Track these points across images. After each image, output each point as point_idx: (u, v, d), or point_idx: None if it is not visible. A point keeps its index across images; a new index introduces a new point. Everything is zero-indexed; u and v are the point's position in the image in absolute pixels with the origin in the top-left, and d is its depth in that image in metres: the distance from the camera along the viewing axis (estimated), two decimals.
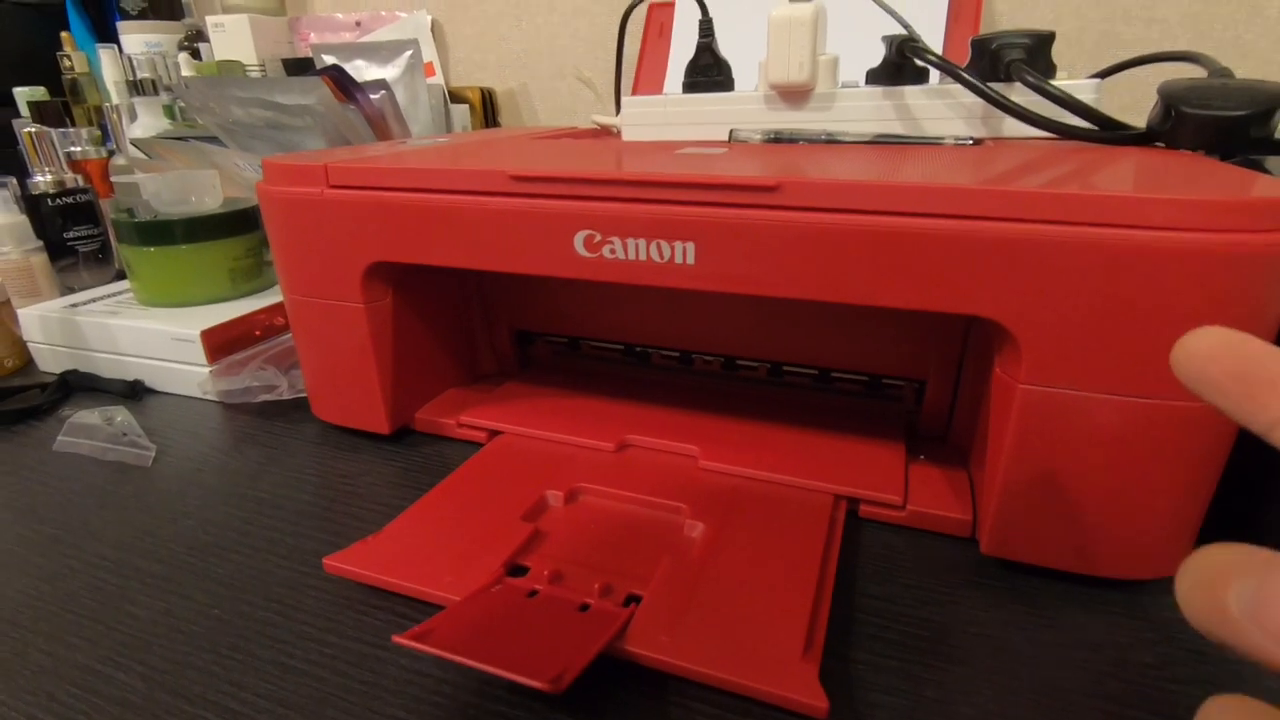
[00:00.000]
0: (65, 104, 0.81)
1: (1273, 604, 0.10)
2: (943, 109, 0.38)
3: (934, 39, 0.53)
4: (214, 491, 0.34)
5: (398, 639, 0.21)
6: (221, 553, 0.30)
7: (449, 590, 0.25)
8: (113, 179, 0.66)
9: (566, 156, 0.35)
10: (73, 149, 0.69)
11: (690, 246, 0.27)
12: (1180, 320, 0.21)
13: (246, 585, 0.28)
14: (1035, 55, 0.36)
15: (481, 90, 0.78)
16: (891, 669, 0.23)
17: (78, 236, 0.63)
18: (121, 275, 0.62)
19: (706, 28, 0.43)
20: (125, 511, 0.33)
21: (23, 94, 0.80)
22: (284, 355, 0.44)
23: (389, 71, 0.70)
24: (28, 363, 0.50)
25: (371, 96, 0.58)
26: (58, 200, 0.62)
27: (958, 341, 0.33)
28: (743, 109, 0.41)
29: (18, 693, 0.23)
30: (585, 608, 0.24)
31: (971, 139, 0.36)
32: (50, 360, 0.49)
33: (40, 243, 0.56)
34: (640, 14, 0.61)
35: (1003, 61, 0.36)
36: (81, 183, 0.64)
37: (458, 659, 0.20)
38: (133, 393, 0.45)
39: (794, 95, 0.39)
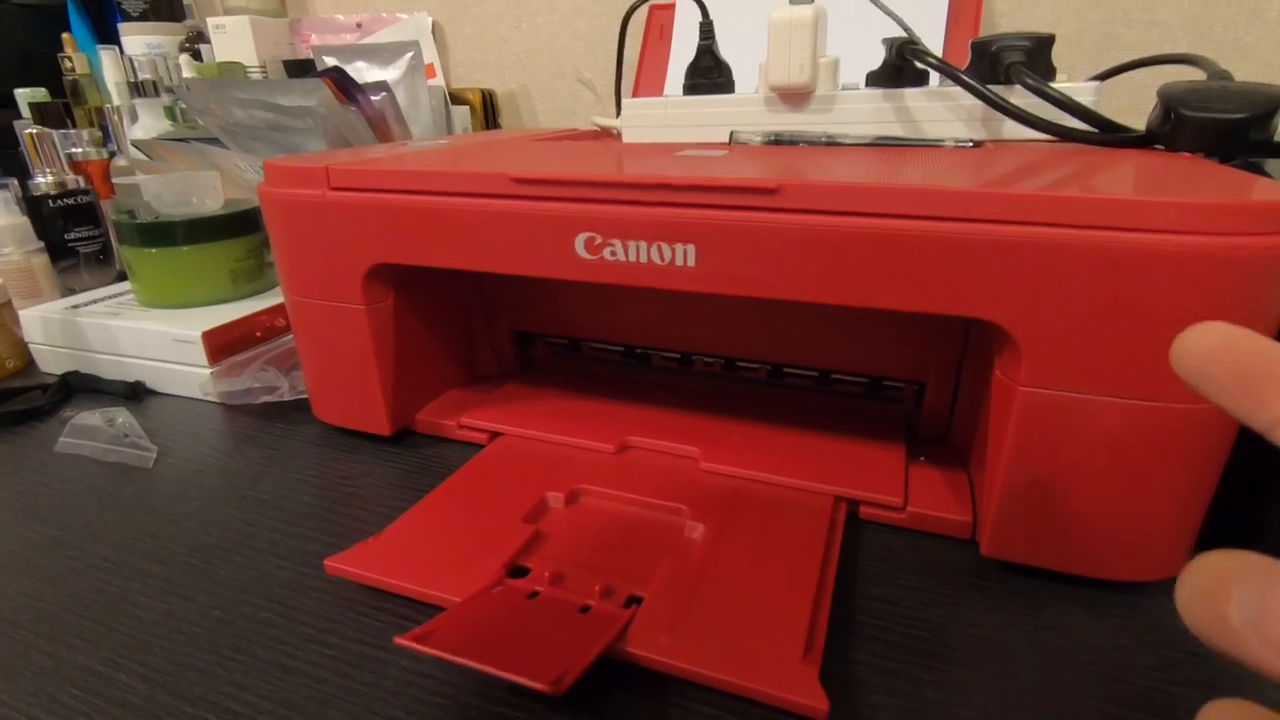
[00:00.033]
0: (66, 105, 0.81)
1: (1274, 614, 0.10)
2: (943, 111, 0.38)
3: (934, 41, 0.53)
4: (215, 493, 0.34)
5: (399, 640, 0.21)
6: (223, 554, 0.30)
7: (450, 592, 0.25)
8: (114, 180, 0.66)
9: (567, 159, 0.35)
10: (74, 150, 0.69)
11: (691, 249, 0.27)
12: (1179, 323, 0.21)
13: (248, 586, 0.28)
14: (1035, 58, 0.36)
15: (482, 92, 0.78)
16: (892, 670, 0.23)
17: (79, 238, 0.63)
18: (122, 276, 0.62)
19: (707, 30, 0.43)
20: (127, 513, 0.33)
21: (24, 95, 0.80)
22: (285, 356, 0.44)
23: (390, 73, 0.71)
24: (29, 364, 0.50)
25: (372, 98, 0.58)
26: (59, 201, 0.62)
27: (958, 343, 0.33)
28: (743, 111, 0.41)
29: (19, 694, 0.23)
30: (586, 609, 0.24)
31: (971, 141, 0.36)
32: (51, 361, 0.49)
33: (41, 244, 0.56)
34: (641, 16, 0.61)
35: (1002, 64, 0.36)
36: (83, 184, 0.64)
37: (459, 660, 0.20)
38: (134, 394, 0.45)
39: (794, 97, 0.40)
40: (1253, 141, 0.31)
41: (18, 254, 0.54)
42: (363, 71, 0.70)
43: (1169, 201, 0.21)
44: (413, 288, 0.37)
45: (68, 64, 0.82)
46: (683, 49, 0.59)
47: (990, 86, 0.35)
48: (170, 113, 0.71)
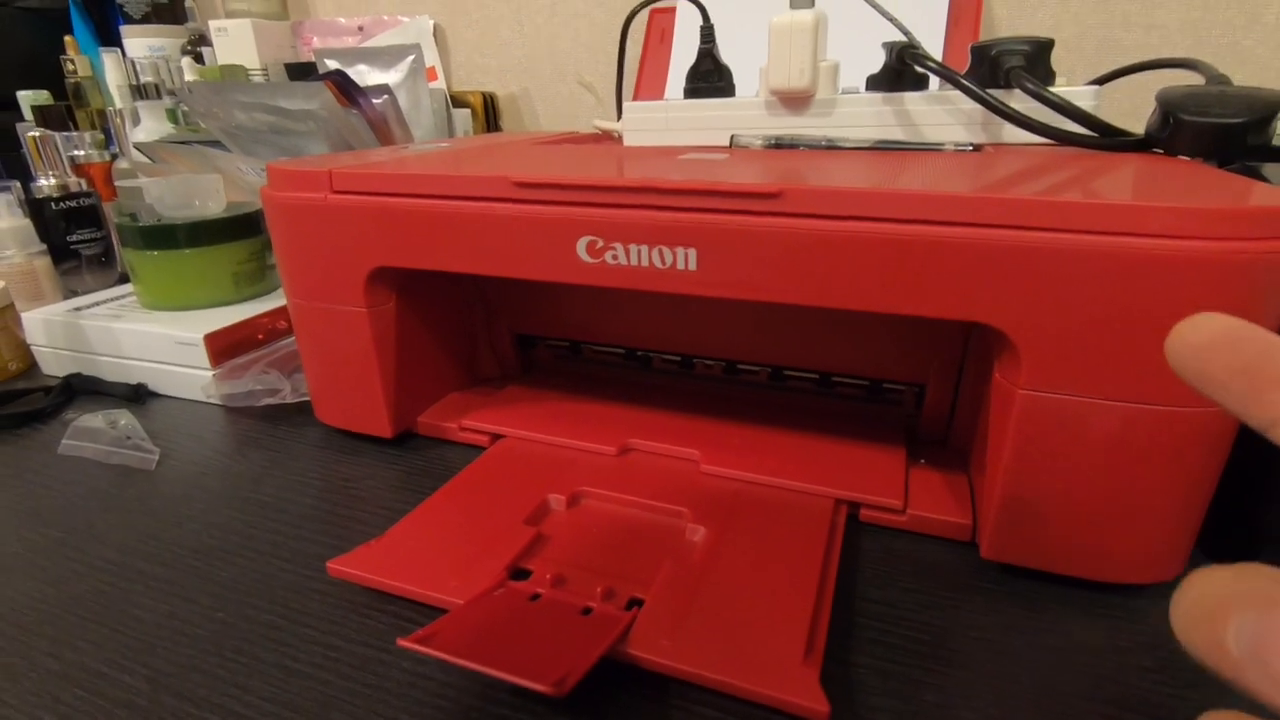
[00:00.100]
0: (69, 108, 0.81)
1: (1273, 643, 0.09)
2: (943, 115, 0.38)
3: (934, 45, 0.53)
4: (217, 495, 0.34)
5: (402, 642, 0.21)
6: (225, 556, 0.30)
7: (452, 594, 0.25)
8: (116, 183, 0.66)
9: (569, 162, 0.35)
10: (76, 153, 0.69)
11: (692, 253, 0.27)
12: None
13: (250, 589, 0.28)
14: (1034, 62, 0.36)
15: (483, 94, 0.78)
16: (892, 673, 0.23)
17: (81, 240, 0.63)
18: (124, 278, 0.62)
19: (708, 33, 0.43)
20: (129, 515, 0.33)
21: (26, 98, 0.80)
22: (287, 359, 0.44)
23: (391, 76, 0.71)
24: (31, 366, 0.50)
25: (374, 101, 0.59)
26: (61, 204, 0.62)
27: (958, 346, 0.33)
28: (744, 114, 0.41)
29: (23, 695, 0.23)
30: (588, 611, 0.24)
31: (971, 145, 0.36)
32: (53, 363, 0.49)
33: (44, 246, 0.56)
34: (642, 19, 0.62)
35: (1002, 68, 0.36)
36: (85, 186, 0.64)
37: (461, 662, 0.20)
38: (136, 396, 0.45)
39: (795, 101, 0.40)
40: (1251, 146, 0.31)
41: (20, 256, 0.54)
42: (364, 74, 0.71)
43: (1167, 206, 0.21)
44: (415, 291, 0.37)
45: (70, 66, 0.82)
46: (683, 52, 0.59)
47: (990, 90, 0.35)
48: (172, 115, 0.71)
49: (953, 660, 0.24)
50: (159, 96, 0.71)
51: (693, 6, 0.44)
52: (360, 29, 0.83)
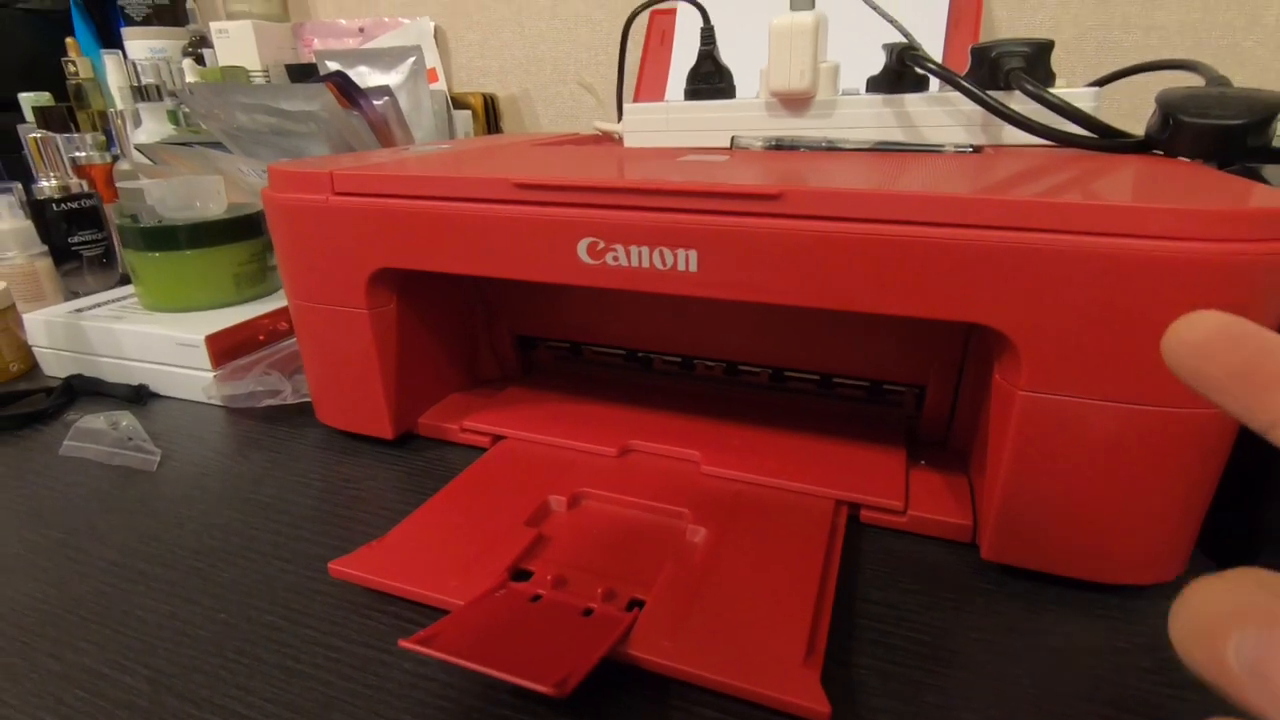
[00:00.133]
0: (70, 109, 0.81)
1: (1275, 663, 0.09)
2: (943, 116, 0.38)
3: (934, 47, 0.53)
4: (218, 496, 0.34)
5: (403, 643, 0.21)
6: (226, 557, 0.30)
7: (453, 595, 0.25)
8: (117, 184, 0.66)
9: (570, 164, 0.35)
10: (77, 154, 0.69)
11: (693, 254, 0.27)
12: None
13: (252, 590, 0.28)
14: (1034, 63, 0.36)
15: (484, 96, 0.78)
16: (893, 674, 0.23)
17: (82, 241, 0.63)
18: (126, 280, 0.62)
19: (708, 35, 0.43)
20: (130, 516, 0.33)
21: (28, 99, 0.80)
22: (288, 360, 0.44)
23: (392, 77, 0.71)
24: (33, 367, 0.50)
25: (375, 102, 0.59)
26: (62, 205, 0.62)
27: (958, 348, 0.33)
28: (744, 116, 0.41)
29: (25, 696, 0.23)
30: (589, 612, 0.24)
31: (971, 147, 0.36)
32: (55, 365, 0.49)
33: (45, 247, 0.56)
34: (642, 21, 0.62)
35: (1002, 69, 0.36)
36: (86, 188, 0.64)
37: (463, 663, 0.21)
38: (137, 397, 0.45)
39: (795, 102, 0.40)
40: (1251, 147, 0.31)
41: (21, 257, 0.54)
42: (365, 76, 0.71)
43: (1167, 208, 0.21)
44: (415, 292, 0.37)
45: (71, 68, 0.83)
46: (684, 54, 0.59)
47: (990, 92, 0.35)
48: (173, 117, 0.71)
49: (953, 661, 0.24)
50: (160, 98, 0.71)
51: (693, 8, 0.44)
52: (361, 30, 0.83)
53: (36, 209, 0.60)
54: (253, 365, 0.43)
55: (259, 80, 0.78)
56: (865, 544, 0.30)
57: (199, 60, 0.80)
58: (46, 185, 0.62)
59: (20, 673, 0.24)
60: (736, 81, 0.44)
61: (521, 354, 0.45)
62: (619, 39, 0.53)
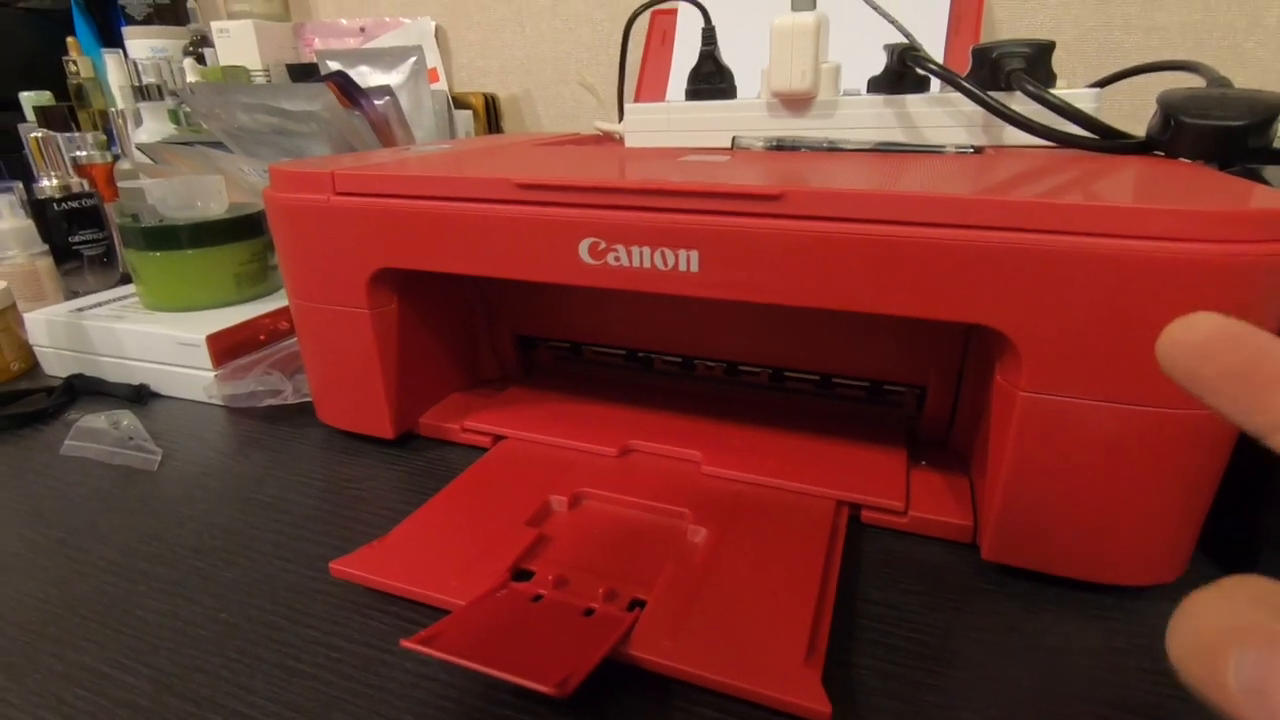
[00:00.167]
0: (71, 109, 0.81)
1: (1274, 684, 0.09)
2: (944, 117, 0.38)
3: (935, 48, 0.53)
4: (219, 495, 0.34)
5: (405, 643, 0.21)
6: (227, 556, 0.30)
7: (455, 595, 0.25)
8: (118, 184, 0.66)
9: (571, 164, 0.35)
10: (78, 154, 0.69)
11: (694, 254, 0.27)
12: None
13: (253, 589, 0.28)
14: (1035, 64, 0.36)
15: (485, 96, 0.79)
16: (893, 674, 0.23)
17: (83, 241, 0.63)
18: (126, 279, 0.62)
19: (709, 35, 0.43)
20: (131, 515, 0.33)
21: (29, 99, 0.80)
22: (289, 360, 0.44)
23: (393, 77, 0.71)
24: (33, 366, 0.50)
25: (376, 102, 0.59)
26: (63, 204, 0.62)
27: (958, 348, 0.33)
28: (745, 116, 0.41)
29: (26, 695, 0.23)
30: (590, 612, 0.25)
31: (972, 147, 0.36)
32: (55, 364, 0.49)
33: (46, 247, 0.56)
34: (643, 21, 0.62)
35: (1003, 70, 0.36)
36: (87, 187, 0.64)
37: (464, 663, 0.21)
38: (138, 397, 0.45)
39: (796, 103, 0.40)
40: (1252, 148, 0.31)
41: (22, 257, 0.54)
42: (366, 76, 0.71)
43: (1168, 209, 0.21)
44: (416, 292, 0.37)
45: (72, 68, 0.83)
46: (685, 54, 0.59)
47: (991, 93, 0.35)
48: (174, 116, 0.71)
49: (953, 661, 0.24)
50: (161, 97, 0.71)
51: (694, 8, 0.44)
52: (362, 30, 0.83)
53: (37, 208, 0.61)
54: (254, 365, 0.43)
55: (260, 80, 0.78)
56: (866, 544, 0.30)
57: (200, 60, 0.80)
58: (47, 184, 0.62)
59: (21, 672, 0.24)
60: (738, 82, 0.44)
61: (522, 354, 0.45)
62: (620, 39, 0.53)
